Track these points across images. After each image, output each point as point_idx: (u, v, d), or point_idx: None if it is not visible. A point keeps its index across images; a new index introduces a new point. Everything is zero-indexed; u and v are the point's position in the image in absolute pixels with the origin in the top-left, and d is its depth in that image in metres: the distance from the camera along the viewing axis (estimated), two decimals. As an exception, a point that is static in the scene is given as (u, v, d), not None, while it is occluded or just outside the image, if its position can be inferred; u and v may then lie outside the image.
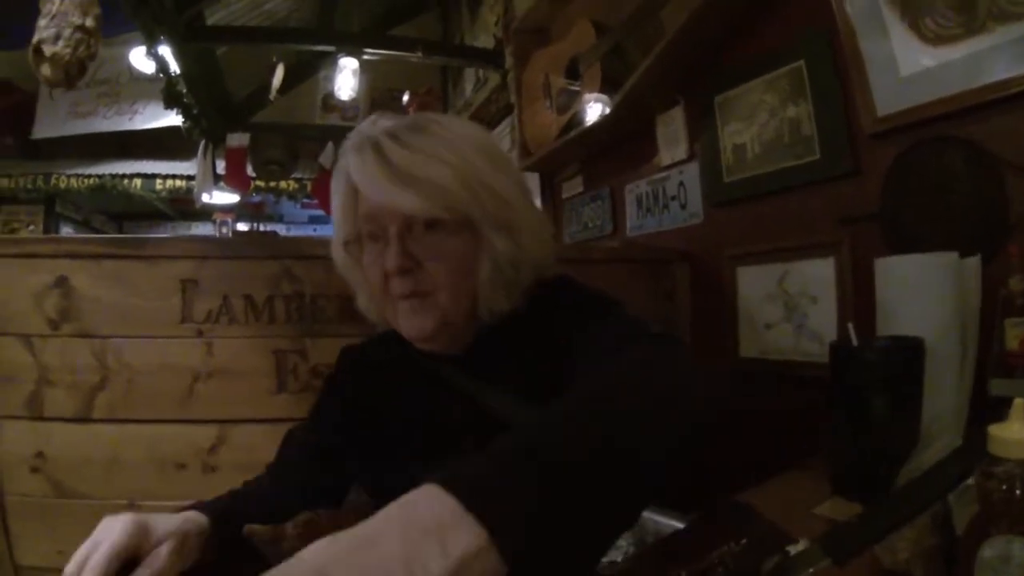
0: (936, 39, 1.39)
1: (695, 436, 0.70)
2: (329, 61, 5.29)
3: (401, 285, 1.03)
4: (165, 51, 4.56)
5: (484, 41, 4.82)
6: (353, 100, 5.41)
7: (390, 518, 0.50)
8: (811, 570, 0.61)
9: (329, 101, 6.88)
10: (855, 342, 1.17)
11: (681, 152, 2.22)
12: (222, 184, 6.78)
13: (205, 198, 6.74)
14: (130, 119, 7.02)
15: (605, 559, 0.67)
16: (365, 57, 4.70)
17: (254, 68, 6.17)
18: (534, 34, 3.19)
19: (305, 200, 7.80)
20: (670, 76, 2.14)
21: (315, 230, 9.91)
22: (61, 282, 1.63)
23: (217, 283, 1.66)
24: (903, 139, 1.48)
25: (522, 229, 1.08)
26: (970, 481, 0.62)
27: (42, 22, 2.50)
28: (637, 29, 2.26)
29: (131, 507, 1.60)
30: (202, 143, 6.44)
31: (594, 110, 2.42)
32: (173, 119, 5.91)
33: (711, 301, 2.07)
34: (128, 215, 9.67)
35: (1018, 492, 0.58)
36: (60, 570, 1.58)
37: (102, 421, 1.63)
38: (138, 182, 7.44)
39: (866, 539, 0.63)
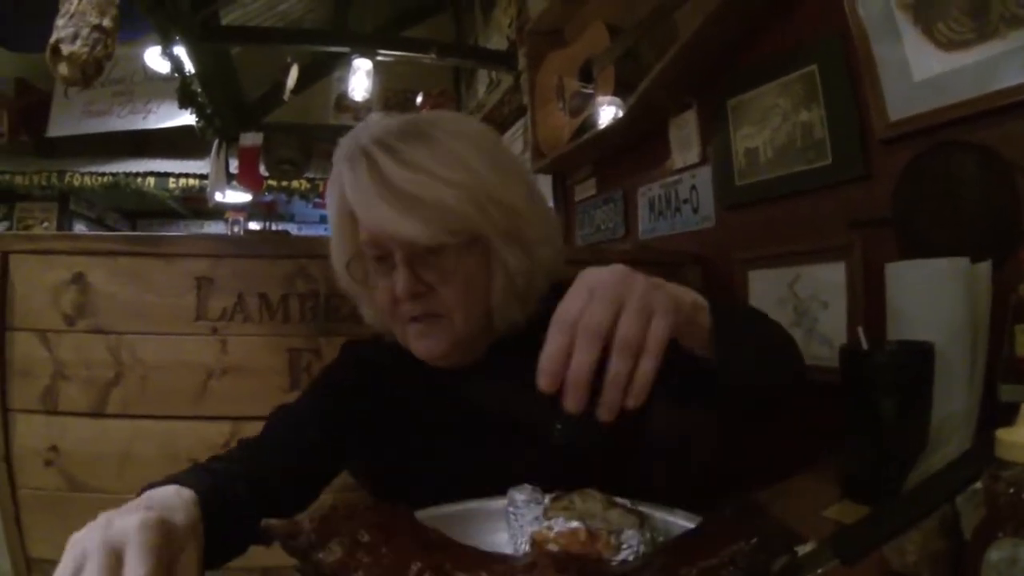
0: (949, 44, 1.39)
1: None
2: (343, 62, 5.31)
3: (412, 309, 1.00)
4: (180, 51, 4.59)
5: (497, 43, 4.83)
6: (367, 101, 5.42)
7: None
8: (820, 570, 0.61)
9: (343, 101, 6.89)
10: (865, 346, 1.17)
11: (693, 155, 2.22)
12: (235, 183, 6.83)
13: (218, 197, 6.78)
14: (144, 118, 7.07)
15: (616, 557, 0.68)
16: (379, 58, 4.72)
17: (268, 68, 6.20)
18: (547, 36, 3.19)
19: (317, 200, 7.84)
20: (683, 79, 2.14)
21: (326, 229, 9.87)
22: (78, 278, 1.64)
23: (232, 281, 1.67)
24: (915, 144, 1.48)
25: (533, 239, 1.05)
26: (978, 485, 0.62)
27: (60, 21, 2.52)
28: (651, 32, 2.26)
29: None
30: (215, 142, 6.49)
31: (607, 113, 2.42)
32: (187, 118, 5.95)
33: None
34: (141, 213, 9.75)
35: (1025, 496, 0.58)
36: (73, 563, 1.61)
37: (116, 416, 1.64)
38: (151, 180, 7.49)
39: (875, 540, 0.63)
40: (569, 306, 0.69)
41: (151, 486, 0.79)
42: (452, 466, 1.00)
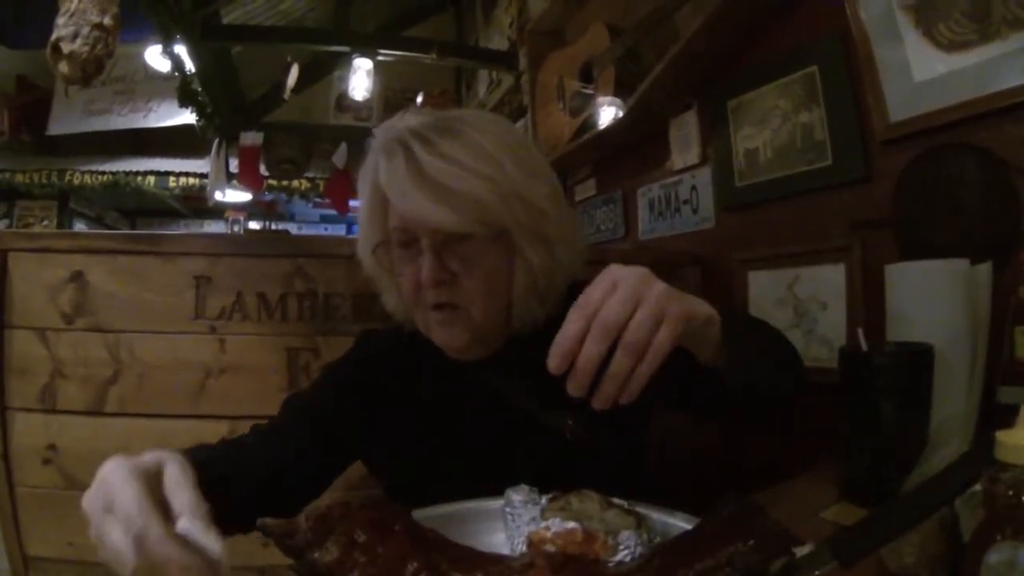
0: (950, 45, 1.38)
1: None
2: (344, 61, 5.31)
3: (435, 295, 1.02)
4: (180, 49, 4.59)
5: (498, 43, 4.83)
6: (367, 100, 5.42)
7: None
8: (817, 572, 0.61)
9: (343, 101, 6.91)
10: (864, 347, 1.16)
11: (693, 156, 2.22)
12: (235, 182, 6.82)
13: (218, 196, 6.78)
14: (144, 117, 7.08)
15: (613, 558, 0.68)
16: (379, 58, 4.72)
17: (269, 67, 6.20)
18: (548, 36, 3.19)
19: (317, 200, 7.84)
20: (683, 80, 2.14)
21: (326, 229, 9.96)
22: (76, 277, 1.64)
23: (231, 280, 1.67)
24: (916, 145, 1.47)
25: (556, 237, 1.08)
26: (977, 487, 0.62)
27: (61, 20, 2.52)
28: (651, 33, 2.26)
29: (141, 500, 1.62)
30: (216, 141, 6.49)
31: (607, 113, 2.42)
32: (187, 117, 5.96)
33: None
34: (141, 212, 9.74)
35: (1024, 498, 0.58)
36: (69, 561, 1.61)
37: (114, 415, 1.64)
38: (151, 179, 7.49)
39: (873, 542, 0.63)
40: (592, 295, 0.73)
41: None
42: (463, 457, 1.01)
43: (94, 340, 1.65)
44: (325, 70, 6.96)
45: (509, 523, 0.78)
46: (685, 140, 2.25)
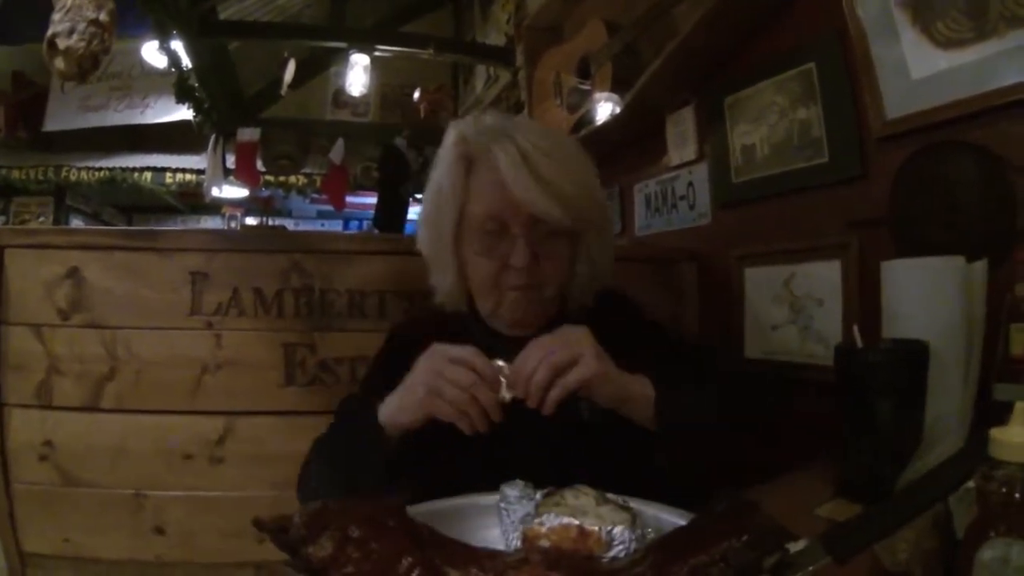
0: (947, 43, 1.38)
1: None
2: (341, 57, 5.30)
3: (519, 277, 1.16)
4: (177, 45, 4.58)
5: (495, 39, 4.83)
6: (364, 96, 5.42)
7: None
8: (811, 568, 0.61)
9: (340, 97, 6.90)
10: (860, 344, 1.16)
11: (690, 152, 2.21)
12: (232, 178, 6.81)
13: (215, 192, 6.77)
14: (141, 113, 7.05)
15: (608, 554, 0.68)
16: (376, 54, 4.72)
17: (266, 63, 6.20)
18: (546, 32, 3.19)
19: (314, 195, 7.82)
20: (681, 76, 2.13)
21: (323, 225, 9.94)
22: (72, 273, 1.64)
23: (227, 276, 1.67)
24: (912, 142, 1.47)
25: (610, 234, 1.31)
26: (971, 484, 0.62)
27: (56, 16, 2.52)
28: (649, 29, 2.25)
29: (137, 497, 1.62)
30: (212, 137, 6.47)
31: (604, 109, 2.41)
32: (184, 113, 5.95)
33: (718, 301, 2.07)
34: (138, 208, 9.68)
35: (1017, 495, 0.58)
36: (65, 558, 1.61)
37: (110, 411, 1.63)
38: (148, 175, 7.46)
39: (867, 538, 0.63)
40: (542, 342, 1.02)
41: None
42: (484, 438, 1.02)
43: (90, 336, 1.64)
44: (322, 66, 6.96)
45: (504, 519, 0.79)
46: (682, 136, 2.25)
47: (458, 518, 0.81)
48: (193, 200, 8.66)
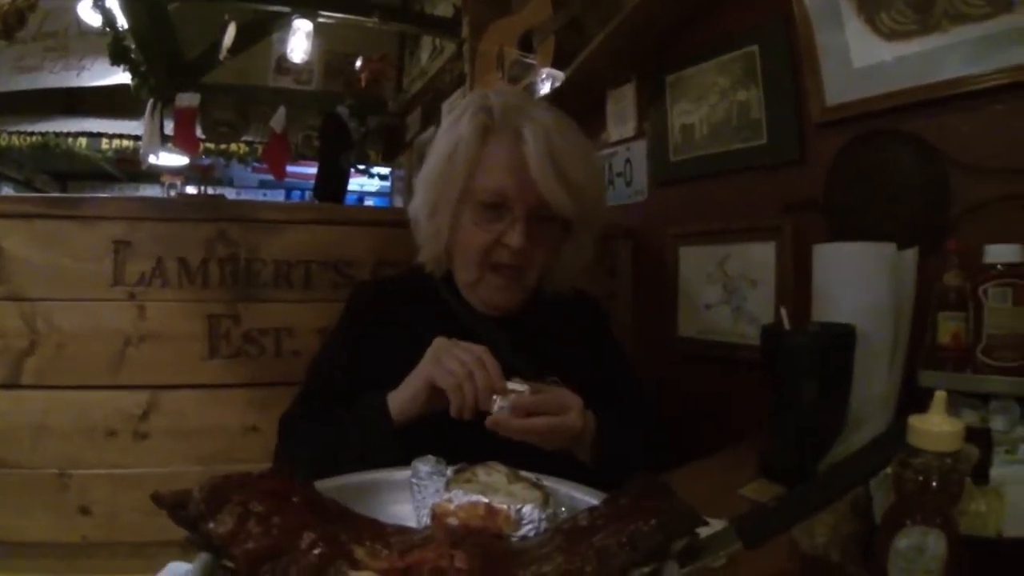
0: (891, 34, 1.41)
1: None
2: (284, 22, 5.18)
3: (510, 258, 1.18)
4: (113, 3, 4.41)
5: (444, 10, 4.76)
6: (307, 63, 5.31)
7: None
8: (722, 553, 0.61)
9: (283, 64, 6.74)
10: (787, 326, 1.18)
11: (629, 129, 2.22)
12: (170, 145, 6.61)
13: (152, 159, 6.56)
14: (77, 75, 6.75)
15: (517, 533, 0.68)
16: (320, 20, 4.61)
17: (206, 26, 6.00)
18: (492, 4, 3.16)
19: (256, 164, 7.65)
20: (624, 52, 2.13)
21: (265, 195, 9.76)
22: (-8, 243, 1.57)
23: (151, 245, 1.62)
24: (851, 130, 1.50)
25: (599, 229, 1.33)
26: (889, 470, 0.63)
27: (-22, -31, 2.41)
28: (595, 4, 2.24)
29: (61, 476, 1.57)
30: (150, 102, 6.26)
31: (546, 84, 2.40)
32: (123, 77, 5.75)
33: (653, 279, 2.09)
34: (72, 175, 9.36)
35: (934, 484, 0.59)
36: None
37: (30, 387, 1.58)
38: (83, 141, 7.17)
39: (780, 524, 0.63)
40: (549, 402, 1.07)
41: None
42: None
43: (9, 309, 1.58)
44: (265, 31, 6.76)
45: (415, 494, 0.78)
46: (622, 113, 2.25)
47: (371, 493, 0.79)
48: (131, 167, 8.38)
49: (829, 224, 1.55)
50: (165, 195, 8.05)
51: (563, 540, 0.63)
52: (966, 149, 1.29)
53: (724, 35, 1.84)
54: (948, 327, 1.10)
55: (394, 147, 6.17)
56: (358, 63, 4.03)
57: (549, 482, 0.76)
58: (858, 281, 1.18)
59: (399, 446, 1.00)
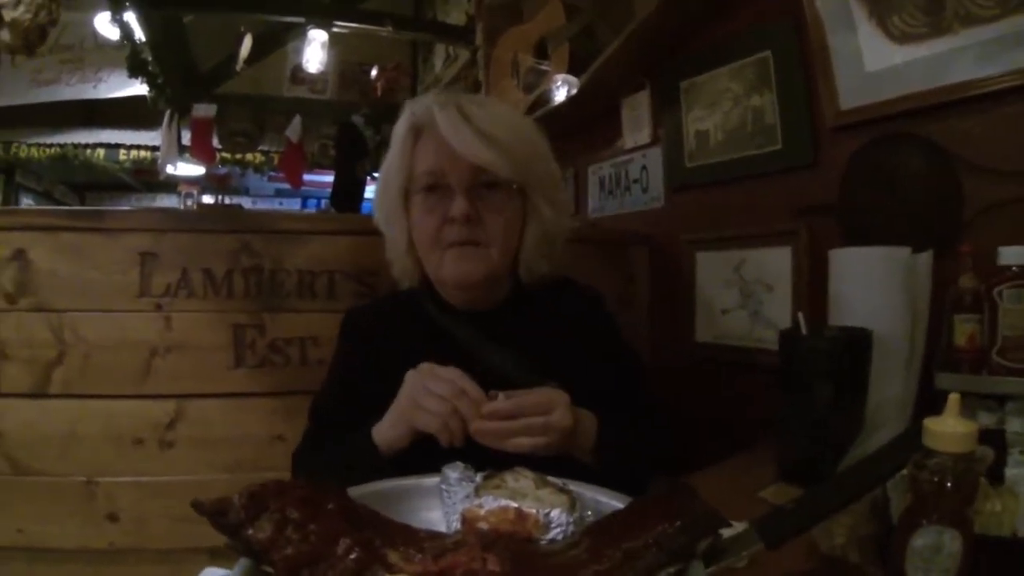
0: (903, 37, 1.41)
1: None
2: (298, 32, 5.22)
3: (459, 232, 1.16)
4: (130, 17, 4.46)
5: (456, 18, 4.80)
6: (322, 73, 5.34)
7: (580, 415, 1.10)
8: (744, 553, 0.63)
9: (298, 73, 6.79)
10: (805, 331, 1.19)
11: (645, 136, 2.23)
12: (187, 155, 6.68)
13: (169, 169, 6.63)
14: (94, 87, 6.82)
15: (546, 536, 0.70)
16: (335, 30, 4.65)
17: (222, 37, 6.05)
18: (505, 12, 3.18)
19: (271, 173, 7.70)
20: (637, 60, 2.15)
21: (281, 203, 9.82)
22: (18, 255, 1.60)
23: (176, 256, 1.64)
24: (864, 134, 1.51)
25: (562, 203, 1.30)
26: (905, 471, 0.64)
27: (2, -14, 2.44)
28: (608, 12, 2.26)
29: (88, 484, 1.60)
30: (167, 113, 6.33)
31: (561, 91, 2.42)
32: (139, 88, 5.80)
33: (670, 285, 2.10)
34: (91, 186, 9.46)
35: (949, 484, 0.60)
36: (18, 549, 1.59)
37: (58, 396, 1.61)
38: (101, 152, 7.25)
39: (800, 525, 0.65)
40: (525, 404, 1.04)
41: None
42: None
43: (37, 320, 1.61)
44: (279, 41, 6.81)
45: (445, 500, 0.80)
46: (637, 120, 2.27)
47: (401, 499, 0.81)
48: (148, 177, 8.47)
49: (843, 228, 1.56)
50: (182, 204, 8.10)
51: (591, 542, 0.65)
52: (978, 151, 1.30)
53: (737, 41, 1.85)
54: (964, 329, 1.11)
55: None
56: (373, 72, 4.04)
57: (575, 487, 0.78)
58: (874, 285, 1.19)
59: (394, 470, 1.00)
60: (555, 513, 0.70)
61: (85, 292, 1.62)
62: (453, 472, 0.80)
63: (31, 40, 2.56)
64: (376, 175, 1.34)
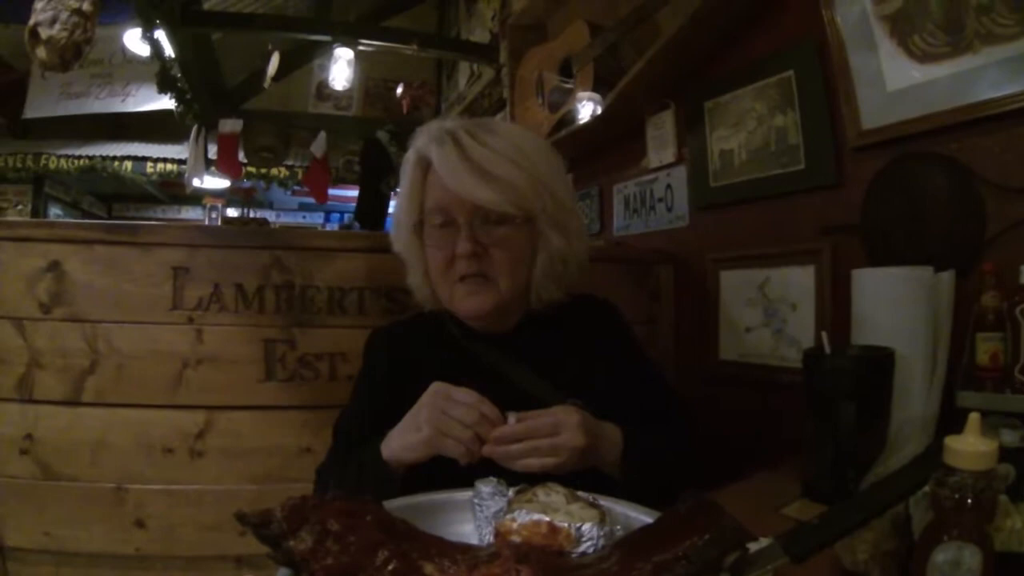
0: (924, 56, 1.42)
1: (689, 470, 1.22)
2: (324, 50, 5.29)
3: (467, 266, 1.18)
4: (160, 35, 4.55)
5: (480, 36, 4.84)
6: (347, 90, 5.41)
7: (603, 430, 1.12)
8: (770, 567, 0.64)
9: (323, 90, 6.88)
10: (828, 350, 1.20)
11: (669, 155, 2.25)
12: (213, 169, 6.77)
13: (196, 183, 6.72)
14: (123, 101, 6.94)
15: (577, 550, 0.71)
16: (360, 48, 4.71)
17: (249, 54, 6.16)
18: (530, 30, 3.20)
19: (296, 188, 7.79)
20: (662, 79, 2.16)
21: (304, 217, 9.91)
22: (54, 266, 1.64)
23: (209, 271, 1.67)
24: (886, 153, 1.51)
25: (573, 229, 1.28)
26: (927, 488, 0.65)
27: (39, 4, 2.50)
28: (632, 31, 2.28)
29: (118, 490, 1.63)
30: (195, 128, 6.43)
31: (586, 109, 2.44)
32: (166, 102, 5.90)
33: (694, 303, 2.11)
34: (118, 197, 9.61)
35: (969, 501, 0.61)
36: (47, 552, 1.62)
37: (91, 405, 1.64)
38: (129, 164, 7.37)
39: (823, 540, 0.66)
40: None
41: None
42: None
43: (71, 330, 1.64)
44: (306, 58, 6.93)
45: (477, 514, 0.81)
46: (661, 139, 2.28)
47: (433, 513, 0.83)
48: (174, 190, 8.59)
49: (866, 246, 1.56)
50: (206, 217, 8.20)
51: (621, 556, 0.66)
52: (1001, 170, 1.30)
53: (760, 61, 1.86)
54: (986, 348, 1.11)
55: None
56: (399, 89, 4.09)
57: (605, 502, 0.80)
58: (896, 305, 1.19)
59: (407, 485, 1.04)
60: (586, 527, 0.72)
61: (119, 304, 1.66)
62: (486, 487, 0.82)
63: (67, 58, 2.61)
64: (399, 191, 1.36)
